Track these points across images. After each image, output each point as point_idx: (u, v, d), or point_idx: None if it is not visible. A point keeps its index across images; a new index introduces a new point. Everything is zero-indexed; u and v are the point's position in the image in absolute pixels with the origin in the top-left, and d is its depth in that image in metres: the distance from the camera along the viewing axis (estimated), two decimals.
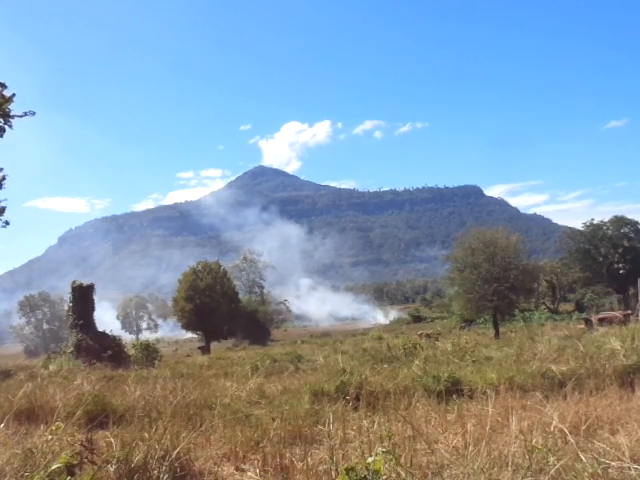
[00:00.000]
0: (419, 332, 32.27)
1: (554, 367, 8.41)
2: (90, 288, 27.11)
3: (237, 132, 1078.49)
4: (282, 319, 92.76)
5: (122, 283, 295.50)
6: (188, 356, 37.73)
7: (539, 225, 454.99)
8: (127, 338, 47.81)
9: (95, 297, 27.55)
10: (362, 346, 21.25)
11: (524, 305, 48.33)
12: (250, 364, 15.36)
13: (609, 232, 56.21)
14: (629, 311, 31.59)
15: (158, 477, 4.20)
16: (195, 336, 63.40)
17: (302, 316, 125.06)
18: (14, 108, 20.84)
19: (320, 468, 4.39)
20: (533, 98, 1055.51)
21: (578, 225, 60.86)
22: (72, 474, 3.55)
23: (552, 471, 3.78)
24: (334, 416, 5.71)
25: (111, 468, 4.11)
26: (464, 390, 7.92)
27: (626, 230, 55.87)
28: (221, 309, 49.87)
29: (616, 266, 53.98)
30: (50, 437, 4.54)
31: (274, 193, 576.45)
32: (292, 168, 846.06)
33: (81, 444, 3.78)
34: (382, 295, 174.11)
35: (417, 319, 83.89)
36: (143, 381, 11.28)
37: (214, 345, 51.89)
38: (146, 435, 4.89)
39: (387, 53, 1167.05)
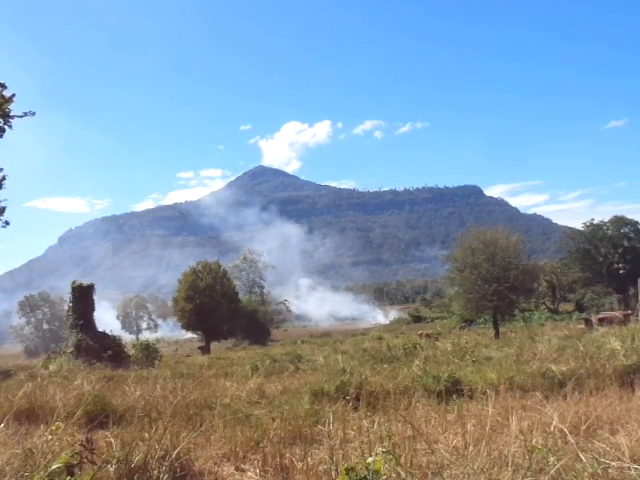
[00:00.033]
0: (419, 332, 32.26)
1: (554, 367, 8.40)
2: (90, 288, 27.11)
3: (237, 132, 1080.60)
4: (282, 319, 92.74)
5: (122, 283, 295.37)
6: (188, 356, 37.73)
7: (539, 225, 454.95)
8: (127, 338, 47.81)
9: (95, 297, 27.55)
10: (362, 346, 21.24)
11: (524, 305, 48.34)
12: (250, 364, 15.35)
13: (609, 232, 56.21)
14: (629, 311, 31.59)
15: (158, 477, 4.19)
16: (195, 336, 63.40)
17: (302, 316, 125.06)
18: (14, 108, 20.82)
19: (320, 468, 4.39)
20: (533, 98, 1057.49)
21: (578, 225, 60.98)
22: (72, 474, 3.55)
23: (552, 471, 3.78)
24: (334, 416, 5.70)
25: (111, 468, 4.11)
26: (464, 390, 7.92)
27: (626, 230, 55.87)
28: (221, 309, 49.87)
29: (616, 266, 53.98)
30: (50, 437, 4.54)
31: (274, 193, 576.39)
32: (292, 168, 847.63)
33: (81, 444, 3.78)
34: (382, 295, 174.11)
35: (417, 319, 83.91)
36: (143, 381, 11.28)
37: (214, 345, 51.89)
38: (146, 435, 4.89)
39: (387, 53, 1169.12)
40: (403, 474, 3.61)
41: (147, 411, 7.00)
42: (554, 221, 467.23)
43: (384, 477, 3.29)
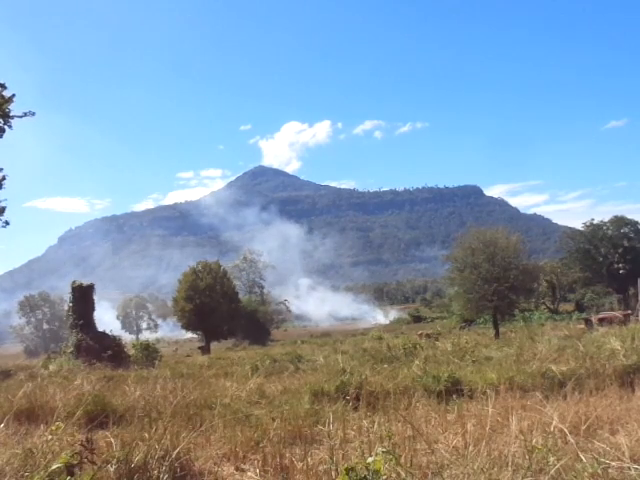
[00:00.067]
0: (419, 332, 32.26)
1: (554, 367, 8.40)
2: (90, 288, 27.11)
3: (237, 132, 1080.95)
4: (282, 319, 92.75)
5: (122, 283, 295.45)
6: (188, 356, 37.73)
7: (539, 225, 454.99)
8: (127, 338, 47.82)
9: (95, 297, 27.55)
10: (362, 346, 21.23)
11: (524, 305, 48.31)
12: (250, 364, 15.35)
13: (609, 232, 56.21)
14: (629, 311, 31.58)
15: (158, 477, 4.19)
16: (195, 336, 63.41)
17: (302, 316, 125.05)
18: (14, 108, 20.88)
19: (320, 468, 4.39)
20: (533, 98, 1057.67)
21: (578, 225, 60.98)
22: (72, 474, 3.55)
23: (552, 471, 3.78)
24: (334, 416, 5.71)
25: (111, 468, 4.11)
26: (464, 390, 7.91)
27: (626, 230, 55.87)
28: (221, 309, 49.87)
29: (616, 266, 53.98)
30: (50, 437, 4.54)
31: (274, 193, 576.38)
32: (292, 168, 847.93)
33: (81, 444, 3.78)
34: (382, 295, 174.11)
35: (417, 319, 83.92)
36: (143, 381, 11.27)
37: (214, 345, 51.89)
38: (146, 435, 4.88)
39: (387, 53, 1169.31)
40: (403, 474, 3.61)
41: (147, 411, 7.00)
42: (554, 221, 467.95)
43: (384, 477, 3.29)
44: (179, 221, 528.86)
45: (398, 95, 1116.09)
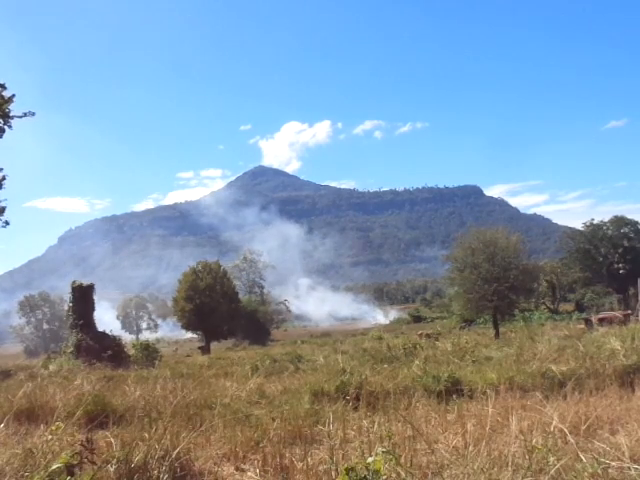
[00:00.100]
0: (419, 332, 32.26)
1: (554, 367, 8.40)
2: (90, 288, 27.12)
3: (237, 132, 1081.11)
4: (282, 319, 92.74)
5: (122, 283, 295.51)
6: (188, 356, 37.73)
7: (539, 225, 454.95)
8: (127, 338, 47.81)
9: (95, 297, 27.56)
10: (362, 346, 21.21)
11: (524, 305, 48.25)
12: (250, 364, 15.36)
13: (609, 232, 56.19)
14: (629, 311, 31.56)
15: (158, 477, 4.19)
16: (195, 336, 63.42)
17: (302, 316, 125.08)
18: (14, 108, 20.88)
19: (320, 468, 4.39)
20: (533, 98, 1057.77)
21: (578, 225, 60.94)
22: (72, 474, 3.55)
23: (552, 471, 3.78)
24: (334, 416, 5.70)
25: (111, 468, 4.11)
26: (464, 390, 7.91)
27: (626, 230, 55.84)
28: (221, 309, 49.87)
29: (616, 266, 53.96)
30: (50, 437, 4.53)
31: (274, 193, 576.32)
32: (292, 168, 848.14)
33: (81, 444, 3.78)
34: (382, 295, 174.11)
35: (417, 319, 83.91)
36: (143, 381, 11.27)
37: (214, 345, 51.89)
38: (146, 435, 4.88)
39: (387, 53, 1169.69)
40: (403, 474, 3.61)
41: (147, 411, 7.00)
42: (554, 221, 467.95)
43: (384, 477, 3.29)
44: (179, 221, 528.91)
45: (398, 95, 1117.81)
